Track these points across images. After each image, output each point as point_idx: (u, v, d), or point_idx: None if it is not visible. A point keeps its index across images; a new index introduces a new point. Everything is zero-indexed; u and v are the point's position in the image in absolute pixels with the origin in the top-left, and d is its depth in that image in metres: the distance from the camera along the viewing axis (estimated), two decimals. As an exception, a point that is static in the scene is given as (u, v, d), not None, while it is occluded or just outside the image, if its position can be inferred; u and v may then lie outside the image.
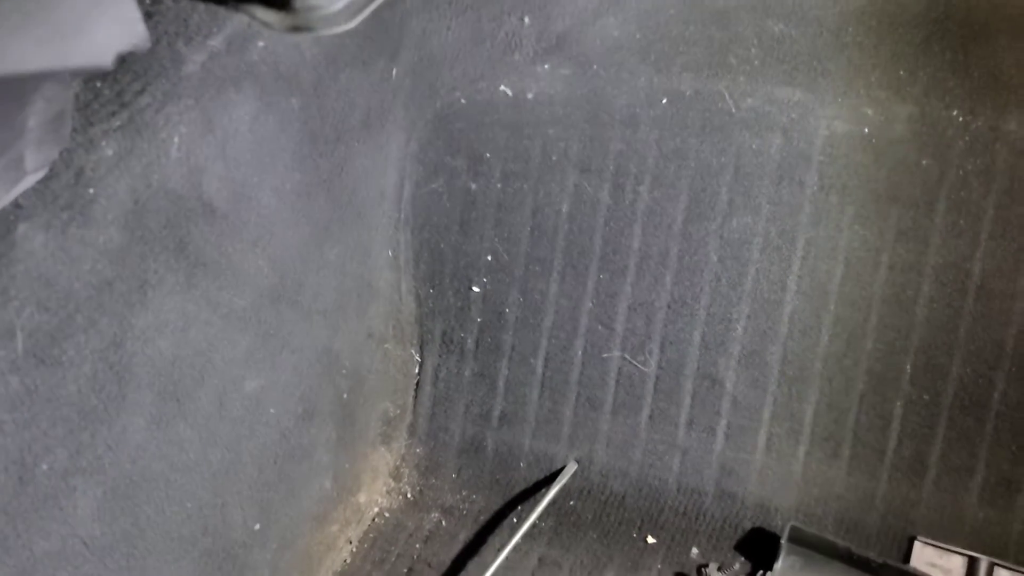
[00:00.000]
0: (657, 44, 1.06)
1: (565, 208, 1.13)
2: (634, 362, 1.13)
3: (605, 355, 1.14)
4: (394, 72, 1.06)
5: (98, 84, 0.68)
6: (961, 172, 0.99)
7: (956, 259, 1.01)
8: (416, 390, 1.23)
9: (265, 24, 0.47)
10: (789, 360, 1.07)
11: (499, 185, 1.15)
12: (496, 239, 1.16)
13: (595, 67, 1.08)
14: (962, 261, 1.00)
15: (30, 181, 0.60)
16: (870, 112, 1.01)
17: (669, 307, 1.11)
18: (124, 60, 0.60)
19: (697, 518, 1.11)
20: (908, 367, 1.03)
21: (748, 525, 1.09)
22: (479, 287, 1.18)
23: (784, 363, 1.07)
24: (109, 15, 0.47)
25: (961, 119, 0.98)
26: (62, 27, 0.44)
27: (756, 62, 1.03)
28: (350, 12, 0.48)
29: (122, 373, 0.73)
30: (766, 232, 1.06)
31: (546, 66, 1.09)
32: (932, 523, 1.03)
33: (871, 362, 1.04)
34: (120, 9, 0.48)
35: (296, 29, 0.48)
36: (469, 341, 1.20)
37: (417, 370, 1.24)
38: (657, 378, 1.12)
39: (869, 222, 1.03)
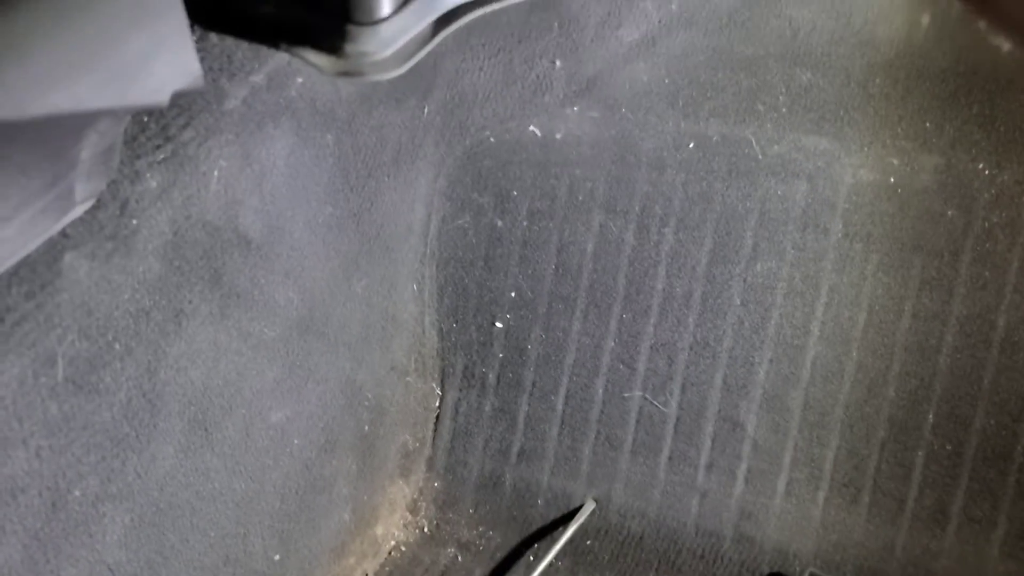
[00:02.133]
0: (685, 90, 1.08)
1: (590, 247, 1.14)
2: (655, 403, 1.13)
3: (626, 395, 1.14)
4: (426, 110, 1.08)
5: (145, 118, 0.70)
6: (987, 224, 1.00)
7: (981, 310, 1.01)
8: (436, 424, 1.24)
9: (317, 68, 0.48)
10: (811, 405, 1.07)
11: (525, 223, 1.16)
12: (520, 276, 1.17)
13: (623, 110, 1.10)
14: (987, 312, 1.01)
15: (78, 211, 0.62)
16: (896, 162, 1.02)
17: (691, 349, 1.11)
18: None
19: (715, 562, 1.10)
20: (931, 416, 1.03)
21: (766, 570, 1.09)
22: (502, 323, 1.19)
23: (806, 408, 1.07)
24: (168, 55, 0.49)
25: (987, 172, 0.99)
26: (124, 67, 0.46)
27: (784, 110, 1.05)
28: (398, 59, 0.50)
29: (154, 401, 0.75)
30: (790, 277, 1.07)
31: (575, 108, 1.11)
32: (953, 574, 1.02)
33: (893, 410, 1.04)
34: (178, 50, 0.50)
35: (347, 74, 0.49)
36: (490, 376, 1.21)
37: (437, 404, 1.24)
38: (678, 419, 1.13)
39: (893, 271, 1.04)
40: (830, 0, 1.00)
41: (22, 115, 0.40)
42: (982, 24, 0.95)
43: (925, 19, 0.98)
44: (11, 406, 0.61)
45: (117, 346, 0.69)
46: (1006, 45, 0.95)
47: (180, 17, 0.47)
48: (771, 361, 1.08)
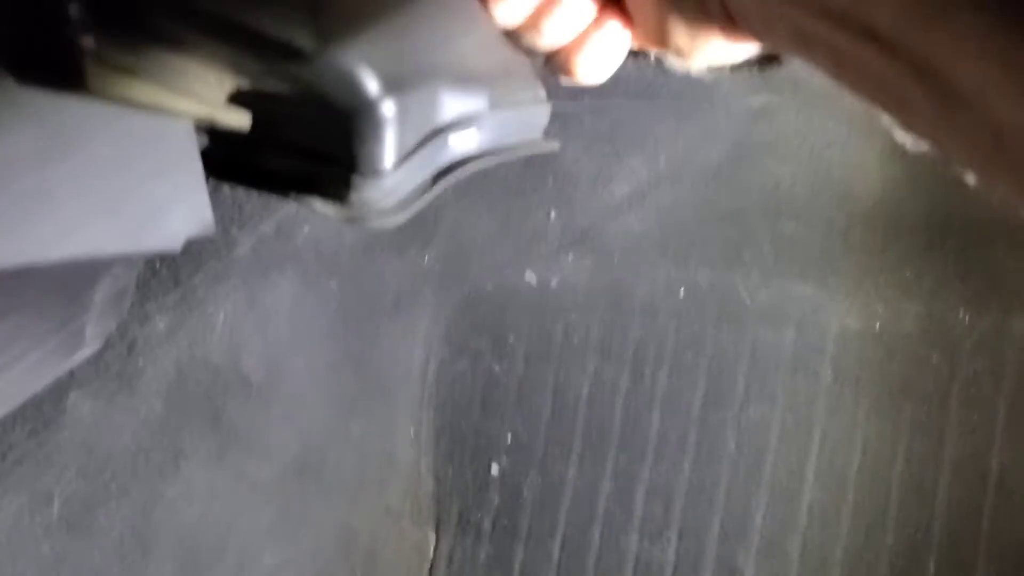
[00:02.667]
0: (675, 239, 1.12)
1: (585, 391, 1.15)
2: (652, 549, 1.11)
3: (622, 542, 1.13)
4: (426, 258, 1.12)
5: (157, 263, 0.73)
6: (971, 370, 1.02)
7: (973, 453, 1.01)
8: (430, 572, 1.21)
9: (324, 215, 0.51)
10: (809, 551, 1.06)
11: (521, 367, 1.18)
12: (517, 419, 1.18)
13: (616, 259, 1.14)
14: (979, 456, 1.01)
15: (87, 352, 0.63)
16: (880, 309, 1.05)
17: (687, 493, 1.11)
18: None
19: None
20: (931, 563, 1.02)
21: None
22: (498, 467, 1.19)
23: (804, 554, 1.06)
24: (184, 205, 0.52)
25: (967, 319, 1.02)
26: (143, 216, 0.49)
27: (769, 259, 1.09)
28: (401, 208, 0.53)
29: (147, 542, 0.74)
30: (783, 421, 1.08)
31: (570, 257, 1.15)
32: None
33: (893, 556, 1.03)
34: (194, 200, 0.53)
35: (352, 220, 0.52)
36: (486, 522, 1.19)
37: (432, 551, 1.22)
38: (676, 567, 1.11)
39: (884, 415, 1.05)
40: (808, 156, 1.06)
41: (45, 260, 0.43)
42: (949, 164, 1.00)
43: (898, 175, 1.04)
44: (6, 544, 0.61)
45: (114, 486, 0.69)
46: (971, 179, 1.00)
47: (197, 169, 0.51)
48: (768, 506, 1.08)
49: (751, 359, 1.09)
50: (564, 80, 0.46)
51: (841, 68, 0.30)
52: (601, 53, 0.43)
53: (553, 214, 1.14)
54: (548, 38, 0.42)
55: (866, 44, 0.28)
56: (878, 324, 1.05)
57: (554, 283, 1.16)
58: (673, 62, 0.98)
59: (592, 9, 0.42)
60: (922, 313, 1.04)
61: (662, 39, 0.41)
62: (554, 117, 0.54)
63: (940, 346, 1.03)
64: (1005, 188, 0.26)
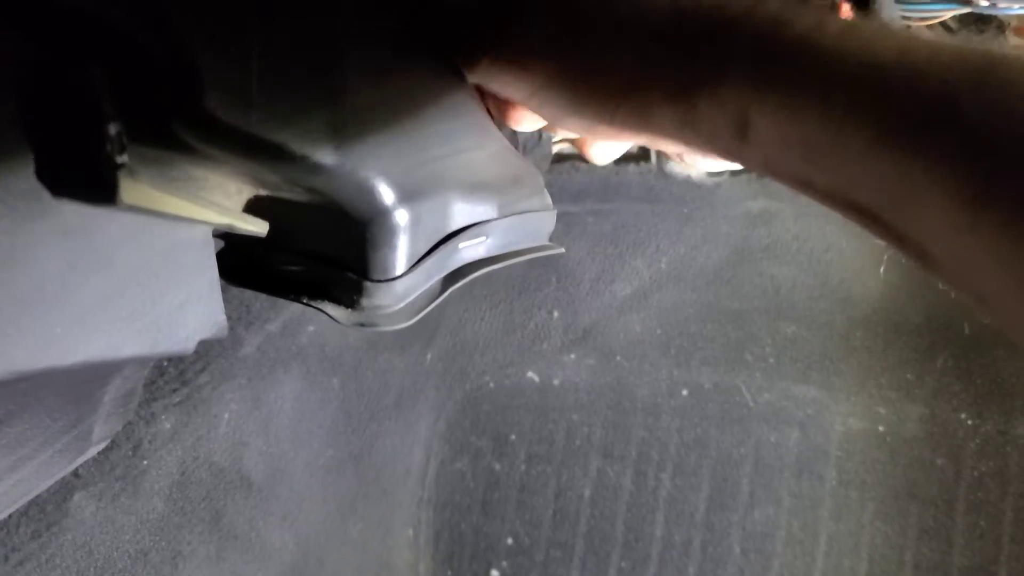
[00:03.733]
0: (677, 340, 1.13)
1: (587, 493, 1.14)
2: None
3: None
4: (428, 356, 1.12)
5: (165, 363, 0.74)
6: (976, 473, 1.01)
7: (981, 561, 1.00)
8: None
9: (335, 320, 0.52)
10: (818, 662, 1.03)
11: (523, 467, 1.17)
12: (517, 521, 1.16)
13: (619, 358, 1.14)
14: (987, 564, 0.99)
15: (92, 452, 0.63)
16: (883, 411, 1.05)
17: (693, 600, 1.08)
18: (194, 343, 0.66)
19: None
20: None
21: None
22: (498, 571, 1.17)
23: (813, 665, 1.03)
24: (199, 308, 0.53)
25: (970, 422, 1.02)
26: (160, 319, 0.49)
27: (771, 360, 1.09)
28: (409, 312, 0.53)
29: (142, 649, 0.72)
30: (788, 525, 1.06)
31: (572, 356, 1.16)
32: None
33: (905, 669, 1.00)
34: (209, 304, 0.54)
35: (362, 325, 0.53)
36: (486, 629, 1.16)
37: (430, 659, 1.19)
38: (681, 678, 1.08)
39: (890, 519, 1.04)
40: (807, 260, 1.07)
41: (62, 363, 0.43)
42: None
43: (896, 279, 1.05)
44: (0, 652, 0.60)
45: (112, 589, 0.68)
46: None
47: (213, 274, 0.52)
48: (775, 614, 1.05)
49: (755, 461, 1.09)
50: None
51: (834, 211, 0.32)
52: (612, 143, 0.46)
53: (556, 313, 1.15)
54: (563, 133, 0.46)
55: (851, 212, 0.30)
56: (881, 426, 1.05)
57: (556, 382, 1.16)
58: (674, 167, 1.02)
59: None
60: (925, 415, 1.04)
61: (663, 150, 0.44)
62: (558, 218, 0.56)
63: (944, 449, 1.03)
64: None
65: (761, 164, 0.32)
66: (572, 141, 0.50)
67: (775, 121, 0.29)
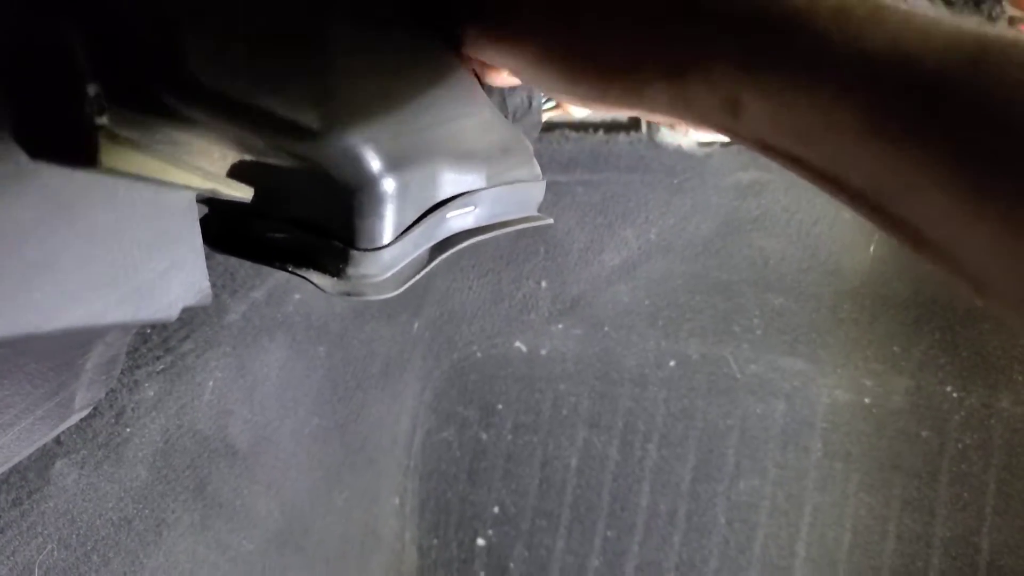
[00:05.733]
0: (665, 311, 1.13)
1: (574, 462, 1.15)
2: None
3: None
4: (415, 325, 1.12)
5: (148, 330, 0.73)
6: (960, 445, 1.02)
7: (964, 532, 1.01)
8: (413, 647, 1.19)
9: (321, 289, 0.51)
10: (801, 631, 1.04)
11: (509, 437, 1.17)
12: (504, 490, 1.17)
13: (606, 329, 1.14)
14: (969, 535, 1.01)
15: (75, 419, 0.63)
16: (869, 383, 1.06)
17: (677, 569, 1.09)
18: (178, 310, 0.65)
19: None
20: (924, 645, 1.00)
21: None
22: (484, 540, 1.17)
23: (796, 634, 1.04)
24: (182, 275, 0.52)
25: (955, 395, 1.03)
26: (143, 286, 0.49)
27: (759, 332, 1.10)
28: (397, 282, 0.53)
29: (126, 616, 0.72)
30: (773, 496, 1.07)
31: (560, 326, 1.15)
32: None
33: (885, 638, 1.02)
34: (192, 270, 0.53)
35: (348, 295, 0.52)
36: (471, 596, 1.17)
37: (415, 625, 1.20)
38: (665, 645, 1.09)
39: (875, 490, 1.05)
40: (797, 232, 1.07)
41: (43, 329, 0.43)
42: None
43: (884, 253, 1.05)
44: (-19, 619, 0.60)
45: (95, 557, 0.68)
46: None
47: (197, 240, 0.51)
48: (758, 583, 1.06)
49: (741, 432, 1.09)
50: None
51: (827, 195, 0.31)
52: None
53: (544, 283, 1.15)
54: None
55: (844, 195, 0.30)
56: (867, 398, 1.06)
57: (544, 352, 1.16)
58: (665, 137, 1.01)
59: None
60: (911, 388, 1.04)
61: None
62: (547, 188, 0.55)
63: (929, 421, 1.03)
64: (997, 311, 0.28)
65: (753, 142, 0.32)
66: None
67: (766, 103, 0.29)
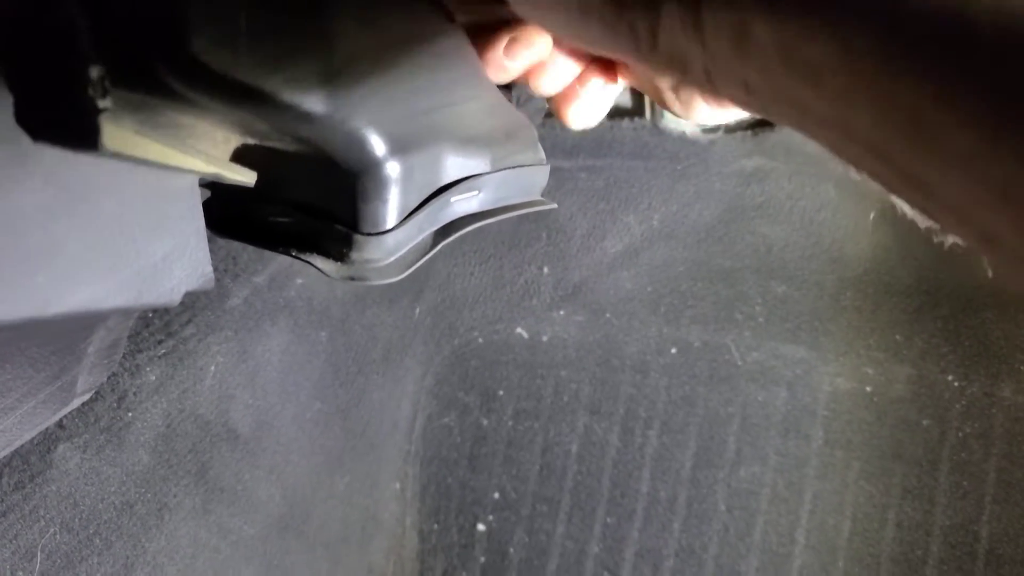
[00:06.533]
0: (667, 297, 1.13)
1: (574, 448, 1.15)
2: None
3: (611, 603, 1.11)
4: (417, 311, 1.12)
5: (150, 314, 0.73)
6: (960, 434, 1.02)
7: (963, 521, 1.01)
8: (413, 631, 1.19)
9: (324, 273, 0.51)
10: (800, 617, 1.05)
11: (510, 422, 1.17)
12: (504, 476, 1.17)
13: (608, 315, 1.14)
14: (969, 523, 1.01)
15: (76, 403, 0.63)
16: (871, 372, 1.06)
17: (677, 555, 1.10)
18: (180, 295, 0.65)
19: None
20: (922, 632, 1.01)
21: None
22: (484, 525, 1.18)
23: (795, 620, 1.05)
24: (184, 259, 0.52)
25: (957, 384, 1.03)
26: (145, 271, 0.49)
27: (761, 319, 1.10)
28: (400, 267, 0.53)
29: (127, 599, 0.72)
30: (774, 483, 1.07)
31: (561, 312, 1.15)
32: None
33: (884, 625, 1.02)
34: (195, 254, 0.53)
35: (351, 279, 0.52)
36: (471, 581, 1.18)
37: (415, 609, 1.20)
38: (664, 631, 1.09)
39: (875, 478, 1.05)
40: (800, 219, 1.07)
41: (44, 313, 0.43)
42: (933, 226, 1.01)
43: (888, 240, 1.05)
44: (-17, 602, 0.60)
45: (97, 540, 0.68)
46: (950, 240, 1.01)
47: (199, 225, 0.51)
48: (758, 570, 1.07)
49: (742, 419, 1.09)
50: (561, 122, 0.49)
51: (832, 152, 0.30)
52: (587, 105, 0.46)
53: (546, 269, 1.14)
54: (541, 91, 0.46)
55: (848, 145, 0.28)
56: (869, 387, 1.06)
57: (545, 338, 1.16)
58: (669, 123, 1.01)
59: (576, 69, 0.44)
60: (912, 376, 1.04)
61: (658, 97, 0.42)
62: (550, 173, 0.55)
63: (930, 410, 1.03)
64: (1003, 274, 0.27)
65: (760, 88, 0.30)
66: (549, 101, 0.49)
67: (777, 32, 0.28)
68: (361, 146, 0.42)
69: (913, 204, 0.28)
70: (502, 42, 0.43)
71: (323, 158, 0.43)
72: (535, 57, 0.44)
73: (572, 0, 0.35)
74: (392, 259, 0.50)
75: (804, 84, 0.28)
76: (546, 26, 0.41)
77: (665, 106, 0.43)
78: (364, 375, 1.05)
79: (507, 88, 0.59)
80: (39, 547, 0.63)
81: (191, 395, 0.76)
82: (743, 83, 0.31)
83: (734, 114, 0.38)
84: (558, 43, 0.43)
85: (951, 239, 1.00)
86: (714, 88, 0.33)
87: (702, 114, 0.39)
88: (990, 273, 1.00)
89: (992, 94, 0.23)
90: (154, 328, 0.72)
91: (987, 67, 0.23)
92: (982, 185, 0.24)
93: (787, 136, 1.04)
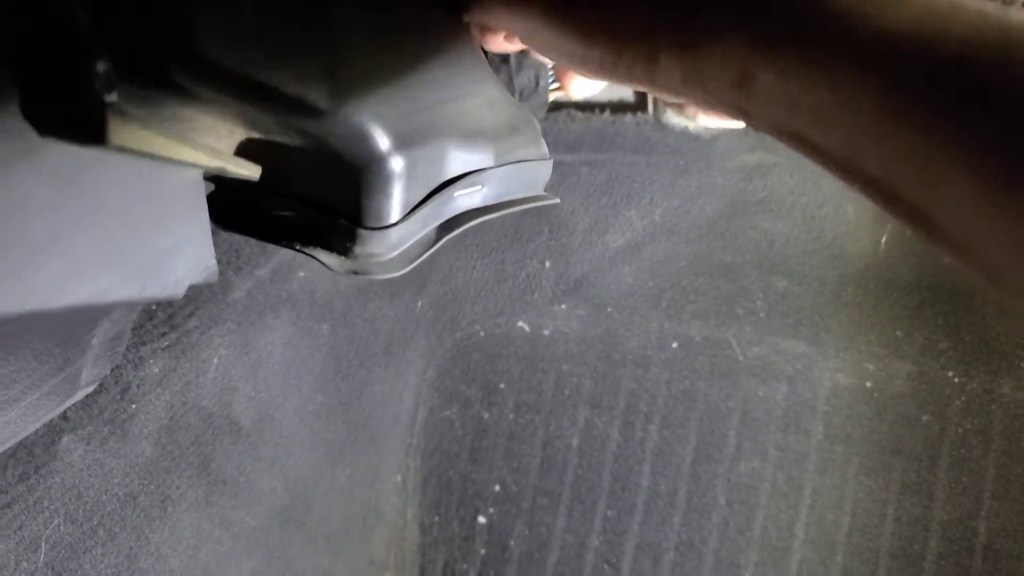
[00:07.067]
0: (668, 292, 1.13)
1: (575, 442, 1.15)
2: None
3: (611, 596, 1.12)
4: (419, 304, 1.12)
5: (153, 307, 0.73)
6: (960, 430, 1.03)
7: (962, 516, 1.01)
8: (414, 623, 1.20)
9: (327, 267, 0.51)
10: (799, 611, 1.05)
11: (511, 416, 1.18)
12: (505, 469, 1.17)
13: (609, 310, 1.14)
14: (967, 519, 1.01)
15: (80, 395, 0.63)
16: (871, 367, 1.06)
17: (677, 549, 1.10)
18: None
19: None
20: (920, 626, 1.01)
21: None
22: (485, 518, 1.18)
23: (794, 614, 1.05)
24: (189, 253, 0.52)
25: (957, 380, 1.03)
26: (149, 264, 0.49)
27: (762, 314, 1.10)
28: (403, 261, 0.53)
29: (131, 590, 0.73)
30: (773, 478, 1.08)
31: (563, 306, 1.15)
32: None
33: (882, 618, 1.03)
34: (199, 248, 0.53)
35: (355, 273, 0.52)
36: (471, 574, 1.18)
37: (416, 601, 1.21)
38: (663, 624, 1.10)
39: (874, 474, 1.05)
40: (801, 215, 1.07)
41: (49, 306, 0.43)
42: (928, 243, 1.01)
43: (888, 237, 1.05)
44: (-13, 592, 0.60)
45: (101, 531, 0.68)
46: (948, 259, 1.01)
47: (203, 218, 0.51)
48: (757, 564, 1.07)
49: (743, 414, 1.10)
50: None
51: (839, 180, 0.31)
52: (584, 79, 0.45)
53: (548, 263, 1.15)
54: (541, 60, 0.45)
55: (856, 180, 0.29)
56: (869, 382, 1.06)
57: (547, 332, 1.17)
58: (671, 118, 1.00)
59: None
60: (912, 372, 1.05)
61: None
62: (553, 167, 0.55)
63: (930, 406, 1.04)
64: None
65: (765, 123, 0.31)
66: (554, 70, 0.49)
67: (781, 81, 0.28)
68: (365, 141, 0.42)
69: (918, 236, 0.29)
70: (501, 33, 0.44)
71: (327, 152, 0.44)
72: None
73: (574, 45, 0.35)
74: (395, 254, 0.50)
75: (808, 125, 0.29)
76: (547, 55, 0.41)
77: (668, 105, 0.44)
78: (366, 368, 1.05)
79: (510, 82, 0.59)
80: (43, 538, 0.63)
81: (194, 387, 0.76)
82: (745, 113, 0.31)
83: (737, 123, 0.39)
84: None
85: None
86: (715, 113, 0.33)
87: (704, 121, 0.39)
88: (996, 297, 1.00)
89: (1000, 142, 0.24)
90: (157, 321, 0.73)
91: (995, 115, 0.24)
92: (987, 230, 0.25)
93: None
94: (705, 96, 0.32)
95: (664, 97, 0.38)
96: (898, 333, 1.06)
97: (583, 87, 0.47)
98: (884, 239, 1.04)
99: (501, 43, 0.44)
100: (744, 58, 0.29)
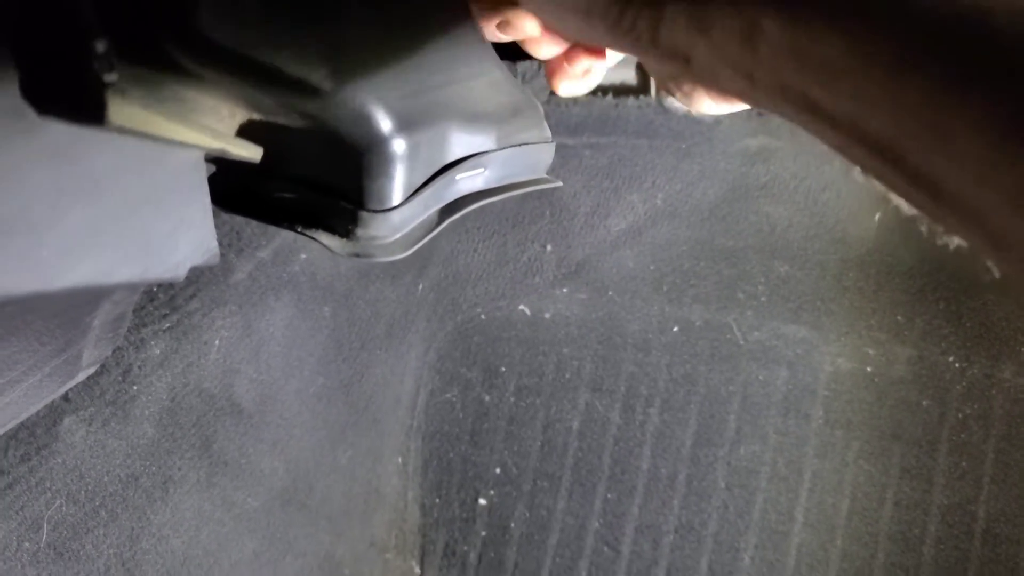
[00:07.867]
0: (669, 276, 1.13)
1: (576, 425, 1.15)
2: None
3: (610, 578, 1.12)
4: (420, 287, 1.12)
5: (155, 289, 0.73)
6: (960, 415, 1.03)
7: (961, 500, 1.02)
8: (414, 604, 1.20)
9: (329, 250, 0.51)
10: (797, 595, 1.06)
11: (512, 399, 1.18)
12: (506, 452, 1.18)
13: (611, 293, 1.14)
14: (967, 503, 1.01)
15: (82, 376, 0.63)
16: (872, 352, 1.06)
17: (676, 532, 1.10)
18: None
19: None
20: (918, 610, 1.02)
21: None
22: (485, 500, 1.18)
23: (792, 598, 1.06)
24: (191, 235, 0.52)
25: (957, 365, 1.03)
26: (151, 245, 0.49)
27: (763, 299, 1.10)
28: (405, 243, 0.53)
29: (133, 571, 0.73)
30: (773, 462, 1.08)
31: (564, 290, 1.15)
32: None
33: (880, 602, 1.03)
34: (201, 230, 0.53)
35: (357, 255, 0.52)
36: (472, 555, 1.18)
37: (416, 583, 1.21)
38: (662, 606, 1.10)
39: (874, 458, 1.05)
40: (804, 199, 1.07)
41: (50, 287, 0.43)
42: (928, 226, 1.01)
43: (890, 221, 1.05)
44: (-10, 571, 0.61)
45: (103, 512, 0.69)
46: (953, 242, 1.01)
47: (205, 200, 0.51)
48: (756, 547, 1.07)
49: (743, 398, 1.10)
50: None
51: (839, 152, 0.30)
52: (572, 79, 0.45)
53: (549, 247, 1.14)
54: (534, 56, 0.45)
55: (857, 145, 0.28)
56: (869, 367, 1.06)
57: (548, 316, 1.17)
58: (673, 102, 1.00)
59: (562, 45, 0.44)
60: (913, 357, 1.05)
61: (662, 83, 0.42)
62: (555, 150, 0.55)
63: (930, 391, 1.04)
64: (1005, 272, 0.27)
65: (769, 88, 0.30)
66: (543, 65, 0.48)
67: (790, 31, 0.27)
68: (367, 122, 0.42)
69: (919, 206, 0.28)
70: (494, 22, 0.43)
71: (329, 134, 0.43)
72: (524, 36, 0.43)
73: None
74: (397, 236, 0.50)
75: (815, 83, 0.28)
76: (547, 20, 0.40)
77: (669, 93, 0.43)
78: (367, 350, 1.06)
79: (513, 65, 0.58)
80: (45, 518, 0.63)
81: (195, 369, 0.76)
82: (749, 77, 0.30)
83: (736, 107, 0.38)
84: (546, 27, 0.43)
85: (956, 241, 1.01)
86: (716, 81, 0.33)
87: (704, 106, 0.39)
88: (996, 274, 1.00)
89: (1010, 96, 0.23)
90: (159, 302, 0.73)
91: (1006, 69, 0.23)
92: (994, 188, 0.24)
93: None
94: (710, 57, 0.31)
95: (665, 71, 0.37)
96: (899, 318, 1.06)
97: (568, 88, 0.46)
98: (878, 216, 1.04)
99: (494, 31, 0.43)
100: (752, 10, 0.28)
